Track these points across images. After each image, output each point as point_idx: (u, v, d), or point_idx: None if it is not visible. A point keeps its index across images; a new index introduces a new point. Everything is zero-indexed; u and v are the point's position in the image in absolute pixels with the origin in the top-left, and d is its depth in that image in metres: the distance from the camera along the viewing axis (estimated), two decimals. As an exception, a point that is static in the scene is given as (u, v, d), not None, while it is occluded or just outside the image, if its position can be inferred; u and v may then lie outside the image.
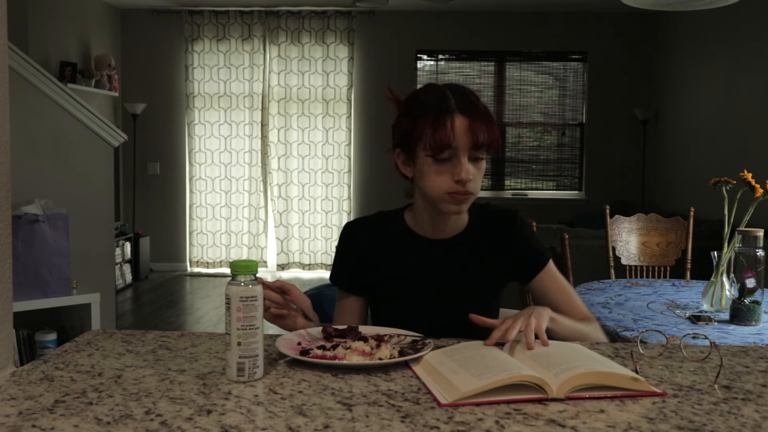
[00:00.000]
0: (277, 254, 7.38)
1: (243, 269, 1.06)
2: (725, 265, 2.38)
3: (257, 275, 1.09)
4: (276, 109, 7.30)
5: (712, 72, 5.86)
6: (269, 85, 7.28)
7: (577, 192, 7.45)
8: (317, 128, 7.29)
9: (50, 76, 3.45)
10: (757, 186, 2.36)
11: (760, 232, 2.19)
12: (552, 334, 1.28)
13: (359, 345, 1.18)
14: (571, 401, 0.97)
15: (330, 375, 1.09)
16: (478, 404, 0.95)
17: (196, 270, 7.41)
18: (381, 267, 1.51)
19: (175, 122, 7.39)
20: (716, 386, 1.05)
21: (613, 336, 2.15)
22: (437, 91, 1.41)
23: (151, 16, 7.30)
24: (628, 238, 3.38)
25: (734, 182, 2.45)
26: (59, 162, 3.52)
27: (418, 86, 6.48)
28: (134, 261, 6.86)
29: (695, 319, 2.28)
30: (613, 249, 3.35)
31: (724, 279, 2.39)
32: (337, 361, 1.12)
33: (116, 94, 6.98)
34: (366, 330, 1.30)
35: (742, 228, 2.23)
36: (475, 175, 1.38)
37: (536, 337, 1.18)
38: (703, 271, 2.98)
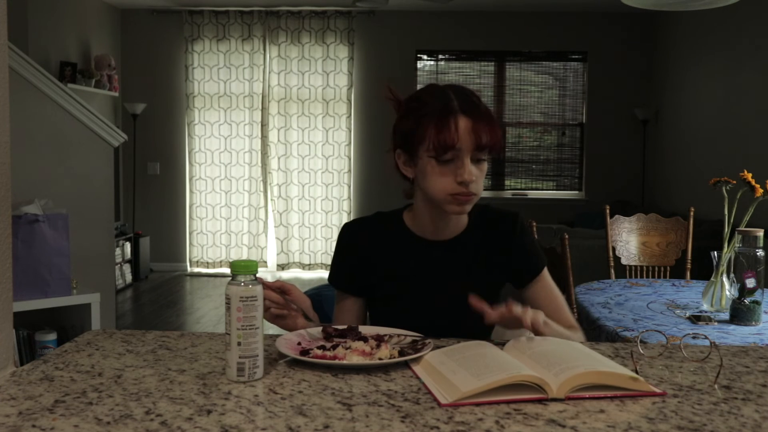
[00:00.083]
0: (277, 254, 7.38)
1: (243, 269, 1.06)
2: (725, 265, 2.39)
3: (257, 275, 1.10)
4: (276, 109, 7.30)
5: (712, 72, 5.86)
6: (269, 85, 7.28)
7: (577, 192, 7.45)
8: (317, 128, 7.29)
9: (50, 76, 3.45)
10: (757, 186, 2.36)
11: (760, 232, 2.19)
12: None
13: (359, 345, 1.18)
14: (571, 401, 0.97)
15: (330, 375, 1.09)
16: (478, 404, 0.95)
17: (196, 270, 7.41)
18: (380, 267, 1.51)
19: (175, 122, 7.39)
20: (716, 386, 1.05)
21: (613, 336, 2.15)
22: (440, 92, 1.41)
23: (151, 16, 7.31)
24: (628, 238, 3.38)
25: (734, 182, 2.45)
26: (59, 162, 3.52)
27: (419, 86, 6.48)
28: (134, 261, 6.86)
29: (695, 319, 2.28)
30: (613, 249, 3.35)
31: (724, 279, 2.39)
32: (337, 361, 1.12)
33: (116, 94, 6.98)
34: (366, 330, 1.30)
35: (742, 228, 2.23)
36: (477, 177, 1.38)
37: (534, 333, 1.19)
38: (703, 271, 2.98)
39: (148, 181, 7.42)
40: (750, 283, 2.18)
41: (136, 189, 7.32)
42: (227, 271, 7.09)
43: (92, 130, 3.70)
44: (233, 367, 1.05)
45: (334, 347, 1.18)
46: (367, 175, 7.32)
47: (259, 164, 7.32)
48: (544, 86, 7.45)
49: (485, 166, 1.41)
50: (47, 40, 5.94)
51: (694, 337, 1.34)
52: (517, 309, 1.23)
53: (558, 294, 1.55)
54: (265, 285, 1.35)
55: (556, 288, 1.56)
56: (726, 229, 2.42)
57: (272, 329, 1.40)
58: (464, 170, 1.36)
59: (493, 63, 7.35)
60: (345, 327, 1.30)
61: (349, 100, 7.26)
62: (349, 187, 7.32)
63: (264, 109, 7.27)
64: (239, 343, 1.05)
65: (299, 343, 1.24)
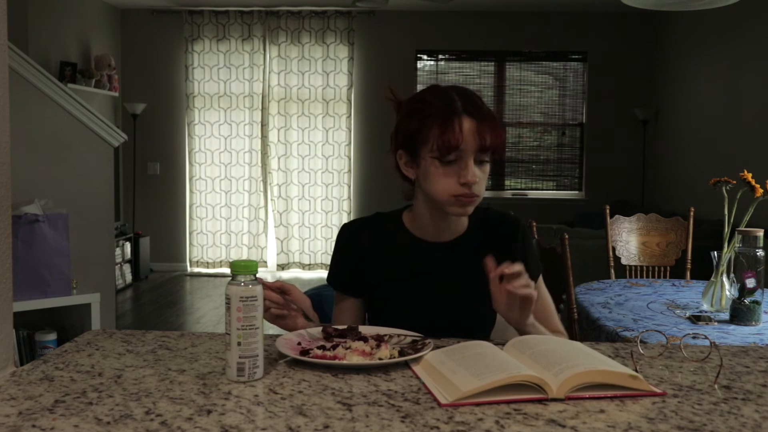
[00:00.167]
0: (277, 254, 7.38)
1: (243, 269, 1.06)
2: (725, 265, 2.39)
3: (257, 275, 1.10)
4: (276, 109, 7.30)
5: (712, 72, 5.86)
6: (269, 85, 7.28)
7: (577, 192, 7.45)
8: (317, 128, 7.29)
9: (50, 76, 3.45)
10: (757, 186, 2.36)
11: (760, 232, 2.19)
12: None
13: (359, 345, 1.18)
14: (571, 401, 0.97)
15: (330, 375, 1.09)
16: (478, 404, 0.95)
17: (196, 270, 7.41)
18: (379, 268, 1.50)
19: (175, 122, 7.39)
20: (716, 386, 1.05)
21: (613, 336, 2.15)
22: (443, 93, 1.40)
23: (151, 16, 7.31)
24: (628, 238, 3.38)
25: (734, 182, 2.45)
26: (59, 162, 3.52)
27: (419, 86, 6.48)
28: (134, 261, 6.86)
29: (695, 319, 2.28)
30: (613, 249, 3.35)
31: (724, 279, 2.40)
32: (337, 361, 1.12)
33: (116, 94, 6.98)
34: (366, 330, 1.30)
35: (742, 228, 2.23)
36: (480, 178, 1.38)
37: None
38: (703, 271, 2.98)
39: (148, 181, 7.42)
40: (750, 283, 2.18)
41: (136, 189, 7.32)
42: (227, 271, 7.09)
43: (92, 130, 3.70)
44: (233, 367, 1.05)
45: (334, 347, 1.18)
46: (367, 175, 7.32)
47: (259, 164, 7.32)
48: (544, 86, 7.45)
49: (488, 167, 1.40)
50: (47, 40, 5.94)
51: (694, 337, 1.34)
52: (513, 268, 1.26)
53: (549, 301, 1.58)
54: (265, 285, 1.35)
55: (548, 294, 1.59)
56: (726, 229, 2.42)
57: (272, 329, 1.40)
58: (468, 171, 1.35)
59: (493, 63, 7.35)
60: (345, 327, 1.30)
61: (349, 100, 7.26)
62: (349, 187, 7.32)
63: (264, 109, 7.27)
64: (239, 343, 1.05)
65: (299, 343, 1.24)
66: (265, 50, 7.26)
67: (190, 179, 7.37)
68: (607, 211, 3.42)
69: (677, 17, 6.48)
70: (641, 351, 1.22)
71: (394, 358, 1.14)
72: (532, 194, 7.41)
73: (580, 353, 1.10)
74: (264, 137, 7.28)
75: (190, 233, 7.41)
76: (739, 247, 2.20)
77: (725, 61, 5.63)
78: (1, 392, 1.00)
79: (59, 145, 3.53)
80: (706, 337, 1.22)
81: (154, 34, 7.33)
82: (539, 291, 1.55)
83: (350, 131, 7.29)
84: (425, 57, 7.37)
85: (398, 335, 1.27)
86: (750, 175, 2.37)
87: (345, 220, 7.26)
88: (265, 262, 7.39)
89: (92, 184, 3.74)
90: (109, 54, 6.87)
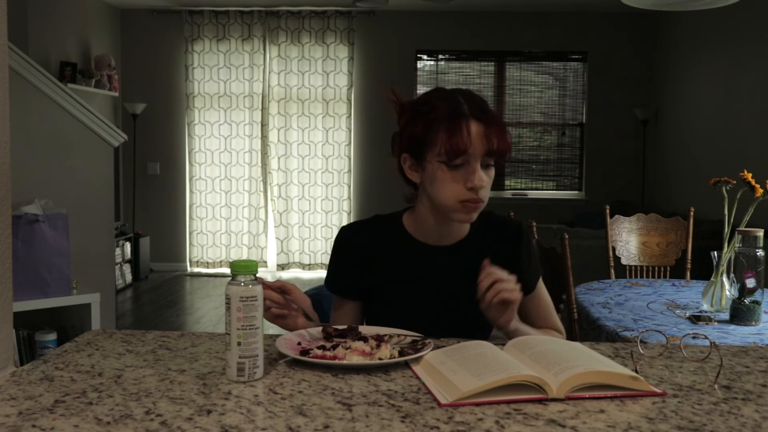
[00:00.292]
0: (277, 254, 7.38)
1: (243, 269, 1.06)
2: (725, 265, 2.39)
3: (257, 275, 1.09)
4: (276, 109, 7.30)
5: (712, 72, 5.86)
6: (269, 85, 7.28)
7: (577, 192, 7.45)
8: (317, 128, 7.29)
9: (50, 76, 3.45)
10: (757, 186, 2.36)
11: (760, 232, 2.19)
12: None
13: (359, 345, 1.18)
14: (571, 401, 0.97)
15: (330, 375, 1.09)
16: (478, 404, 0.95)
17: (196, 270, 7.41)
18: (379, 271, 1.49)
19: (175, 122, 7.39)
20: (716, 386, 1.05)
21: (613, 336, 2.15)
22: (448, 96, 1.39)
23: (151, 16, 7.31)
24: (628, 238, 3.38)
25: (734, 182, 2.45)
26: (59, 162, 3.52)
27: (418, 86, 6.43)
28: (134, 261, 6.86)
29: (695, 319, 2.28)
30: (613, 249, 3.35)
31: (724, 279, 2.40)
32: (337, 361, 1.12)
33: (116, 94, 6.98)
34: (366, 330, 1.29)
35: (742, 228, 2.23)
36: (486, 183, 1.37)
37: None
38: (703, 271, 2.98)
39: (148, 181, 7.42)
40: (750, 283, 2.18)
41: (136, 189, 7.32)
42: (227, 271, 7.09)
43: (92, 130, 3.70)
44: (233, 367, 1.05)
45: (334, 347, 1.18)
46: (367, 175, 7.32)
47: (259, 164, 7.32)
48: (544, 86, 7.45)
49: (493, 171, 1.39)
50: (47, 40, 5.94)
51: (694, 337, 1.34)
52: (499, 274, 1.29)
53: (549, 302, 1.58)
54: (266, 285, 1.35)
55: (548, 295, 1.59)
56: (726, 229, 2.42)
57: (272, 329, 1.40)
58: (475, 176, 1.34)
59: (493, 63, 7.35)
60: (345, 327, 1.30)
61: (349, 100, 7.26)
62: (349, 187, 7.32)
63: (264, 109, 7.27)
64: (239, 343, 1.05)
65: (299, 343, 1.24)
66: (265, 50, 7.26)
67: (190, 179, 7.37)
68: (607, 211, 3.42)
69: (677, 17, 6.48)
70: (641, 351, 1.22)
71: (394, 358, 1.14)
72: (532, 194, 7.42)
73: (580, 354, 1.10)
74: (264, 137, 7.28)
75: (190, 233, 7.41)
76: (739, 247, 2.20)
77: (725, 61, 5.63)
78: (1, 392, 1.00)
79: (59, 145, 3.53)
80: (706, 337, 1.22)
81: (154, 34, 7.33)
82: (539, 292, 1.56)
83: (350, 131, 7.29)
84: (425, 57, 7.37)
85: (398, 335, 1.27)
86: (750, 175, 2.37)
87: (345, 220, 7.26)
88: (265, 262, 7.39)
89: (92, 184, 3.74)
90: (109, 54, 6.87)
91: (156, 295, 6.32)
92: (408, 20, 7.24)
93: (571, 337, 2.14)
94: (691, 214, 3.35)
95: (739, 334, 2.10)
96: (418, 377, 1.08)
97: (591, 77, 7.25)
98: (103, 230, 3.85)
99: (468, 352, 1.12)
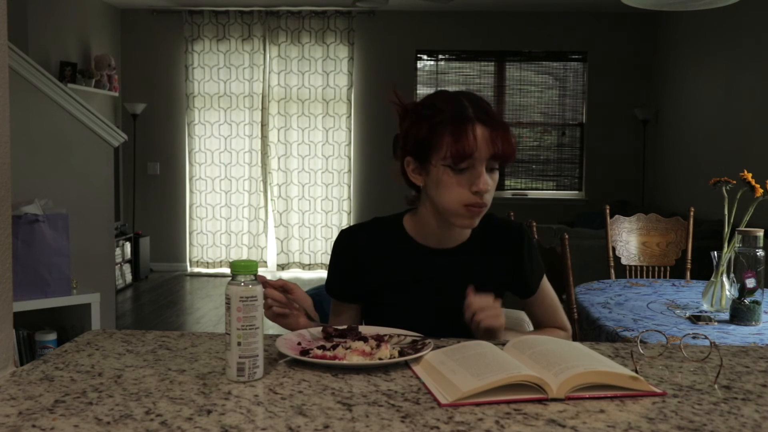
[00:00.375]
0: (277, 254, 7.38)
1: (243, 269, 1.06)
2: (725, 265, 2.39)
3: (258, 274, 1.09)
4: (276, 109, 7.30)
5: (712, 72, 5.86)
6: (269, 85, 7.28)
7: (577, 192, 7.45)
8: (317, 128, 7.29)
9: (50, 76, 3.45)
10: (757, 186, 2.36)
11: (760, 232, 2.19)
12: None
13: (359, 345, 1.18)
14: (571, 401, 0.97)
15: (330, 375, 1.09)
16: (478, 404, 0.95)
17: (196, 270, 7.41)
18: (380, 274, 1.48)
19: (175, 122, 7.39)
20: (716, 386, 1.05)
21: (613, 336, 2.15)
22: (453, 99, 1.39)
23: (151, 16, 7.31)
24: (628, 238, 3.38)
25: (734, 182, 2.45)
26: (59, 162, 3.52)
27: (418, 86, 6.41)
28: (134, 261, 6.86)
29: (695, 319, 2.28)
30: (613, 249, 3.35)
31: (724, 279, 2.40)
32: (337, 361, 1.12)
33: (116, 94, 6.98)
34: (366, 330, 1.29)
35: (742, 228, 2.23)
36: (491, 187, 1.37)
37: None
38: (703, 271, 2.98)
39: (148, 181, 7.42)
40: (750, 283, 2.18)
41: (136, 189, 7.32)
42: (227, 271, 7.09)
43: (92, 130, 3.70)
44: (233, 367, 1.05)
45: (334, 347, 1.18)
46: (367, 175, 7.32)
47: (259, 164, 7.32)
48: (544, 86, 7.45)
49: (497, 175, 1.39)
50: (47, 40, 5.94)
51: (694, 337, 1.34)
52: (483, 301, 1.34)
53: (553, 298, 1.59)
54: (268, 283, 1.35)
55: (553, 291, 1.59)
56: (726, 229, 2.42)
57: (272, 329, 1.40)
58: (480, 180, 1.34)
59: (493, 63, 7.35)
60: (345, 327, 1.30)
61: (349, 100, 7.26)
62: (349, 187, 7.32)
63: (264, 109, 7.27)
64: (239, 343, 1.05)
65: (299, 343, 1.24)
66: (265, 50, 7.26)
67: (190, 179, 7.37)
68: (607, 211, 3.42)
69: (677, 17, 6.48)
70: (641, 351, 1.22)
71: (394, 358, 1.14)
72: (532, 194, 7.42)
73: (580, 354, 1.10)
74: (264, 137, 7.28)
75: (190, 233, 7.41)
76: (739, 247, 2.20)
77: (725, 61, 5.63)
78: (1, 392, 1.00)
79: (59, 145, 3.53)
80: (706, 337, 1.22)
81: (154, 34, 7.33)
82: (544, 290, 1.56)
83: (350, 131, 7.29)
84: (425, 57, 7.37)
85: (398, 335, 1.27)
86: (750, 175, 2.37)
87: (345, 220, 7.26)
88: (265, 262, 7.39)
89: (92, 184, 3.74)
90: (109, 54, 6.87)
91: (156, 295, 6.32)
92: (408, 20, 7.24)
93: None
94: (691, 214, 3.35)
95: (739, 334, 2.10)
96: (418, 377, 1.08)
97: (591, 77, 7.25)
98: (103, 230, 3.85)
99: (468, 352, 1.12)
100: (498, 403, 0.96)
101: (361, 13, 7.18)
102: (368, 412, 0.93)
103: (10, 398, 0.98)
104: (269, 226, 7.41)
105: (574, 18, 7.19)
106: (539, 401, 0.97)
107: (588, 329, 2.38)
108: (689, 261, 3.27)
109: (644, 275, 3.33)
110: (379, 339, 1.23)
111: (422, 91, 7.29)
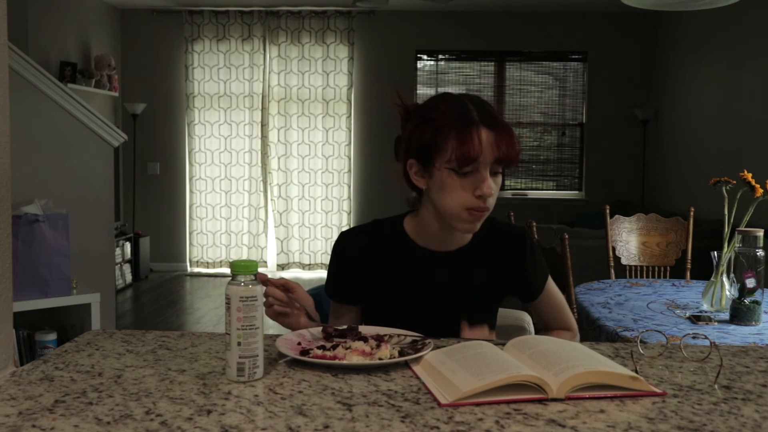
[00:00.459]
0: (277, 254, 7.39)
1: (243, 269, 1.06)
2: (725, 265, 2.39)
3: (259, 272, 1.09)
4: (276, 109, 7.30)
5: (712, 72, 5.86)
6: (269, 85, 7.28)
7: (577, 192, 7.45)
8: (317, 128, 7.29)
9: (50, 76, 3.45)
10: (757, 186, 2.36)
11: (760, 232, 2.19)
12: None
13: (359, 345, 1.18)
14: (571, 401, 0.97)
15: (330, 375, 1.09)
16: (478, 404, 0.95)
17: (196, 270, 7.41)
18: (380, 277, 1.48)
19: (175, 122, 7.40)
20: (716, 386, 1.05)
21: (613, 336, 2.15)
22: (457, 102, 1.38)
23: (151, 16, 7.31)
24: (628, 238, 3.38)
25: (734, 182, 2.45)
26: (59, 162, 3.52)
27: (418, 86, 6.40)
28: (134, 261, 6.86)
29: (695, 319, 2.28)
30: (613, 249, 3.35)
31: (724, 279, 2.40)
32: (337, 361, 1.12)
33: (116, 94, 6.98)
34: (366, 330, 1.29)
35: (742, 228, 2.23)
36: (494, 191, 1.36)
37: None
38: (703, 271, 2.98)
39: (148, 181, 7.42)
40: (750, 283, 2.18)
41: (136, 189, 7.32)
42: (227, 271, 7.09)
43: (92, 130, 3.70)
44: (233, 367, 1.05)
45: (334, 347, 1.18)
46: (367, 175, 7.32)
47: (259, 164, 7.32)
48: (544, 86, 7.45)
49: (500, 179, 1.39)
50: (47, 40, 5.94)
51: (694, 337, 1.34)
52: None
53: (560, 299, 1.58)
54: (270, 282, 1.35)
55: (559, 292, 1.59)
56: (726, 229, 2.42)
57: (272, 329, 1.40)
58: (484, 184, 1.33)
59: (493, 63, 7.35)
60: (345, 327, 1.30)
61: (349, 100, 7.26)
62: (349, 187, 7.32)
63: (264, 109, 7.27)
64: (239, 343, 1.05)
65: (299, 343, 1.24)
66: (265, 50, 7.26)
67: (190, 179, 7.37)
68: (607, 211, 3.42)
69: (677, 17, 6.47)
70: (641, 351, 1.22)
71: (394, 358, 1.14)
72: (532, 194, 7.42)
73: (580, 354, 1.10)
74: (264, 137, 7.28)
75: (190, 233, 7.41)
76: (739, 247, 2.20)
77: (725, 61, 5.63)
78: (1, 392, 1.00)
79: (59, 145, 3.53)
80: (706, 337, 1.22)
81: (154, 34, 7.33)
82: (549, 292, 1.56)
83: (350, 131, 7.29)
84: (425, 57, 7.37)
85: (398, 335, 1.27)
86: (750, 175, 2.38)
87: (345, 220, 7.27)
88: (265, 262, 7.39)
89: (92, 184, 3.74)
90: (109, 54, 6.87)
91: (156, 295, 6.32)
92: (408, 20, 7.24)
93: (571, 337, 2.13)
94: (691, 214, 3.35)
95: (739, 334, 2.10)
96: (418, 377, 1.08)
97: (591, 77, 7.25)
98: (103, 230, 3.85)
99: (468, 352, 1.12)
100: (498, 403, 0.96)
101: (361, 13, 7.18)
102: (368, 412, 0.93)
103: (10, 398, 0.98)
104: (269, 226, 7.41)
105: (574, 18, 7.19)
106: (539, 401, 0.97)
107: (588, 329, 2.38)
108: (689, 261, 3.27)
109: (644, 275, 3.33)
110: (379, 339, 1.23)
111: (422, 91, 7.30)
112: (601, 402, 0.97)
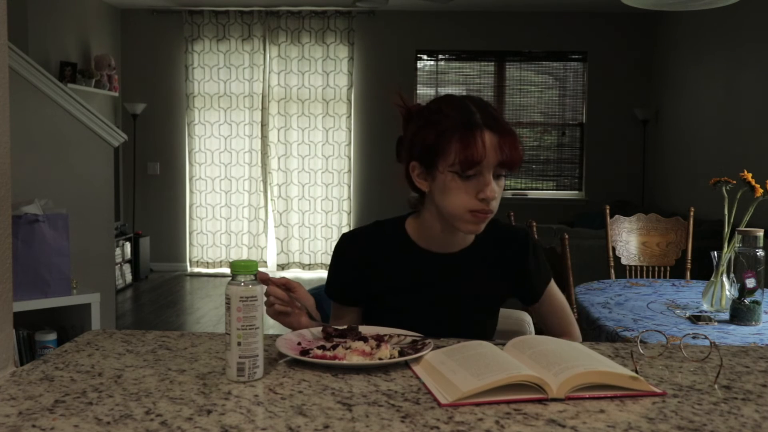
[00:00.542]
0: (277, 254, 7.39)
1: (243, 269, 1.06)
2: (725, 265, 2.39)
3: (259, 271, 1.09)
4: (276, 109, 7.30)
5: (712, 72, 5.86)
6: (269, 85, 7.28)
7: (577, 192, 7.45)
8: (317, 128, 7.29)
9: (50, 76, 3.45)
10: (757, 186, 2.36)
11: (760, 232, 2.19)
12: None
13: (359, 345, 1.18)
14: (571, 401, 0.97)
15: (330, 375, 1.09)
16: (478, 404, 0.95)
17: (196, 270, 7.41)
18: (381, 278, 1.47)
19: (175, 122, 7.39)
20: (716, 386, 1.05)
21: (613, 336, 2.15)
22: (460, 104, 1.37)
23: (151, 16, 7.31)
24: (628, 238, 3.38)
25: (734, 182, 2.45)
26: (59, 162, 3.52)
27: (418, 86, 6.41)
28: (134, 261, 6.86)
29: (695, 319, 2.28)
30: (613, 249, 3.35)
31: (724, 279, 2.40)
32: (337, 361, 1.12)
33: (116, 94, 6.98)
34: (366, 330, 1.29)
35: (742, 228, 2.23)
36: (498, 194, 1.36)
37: None
38: (703, 271, 2.98)
39: (148, 181, 7.42)
40: (750, 283, 2.18)
41: (136, 189, 7.32)
42: (227, 271, 7.09)
43: (92, 130, 3.70)
44: (233, 367, 1.05)
45: (334, 347, 1.18)
46: (367, 175, 7.32)
47: (259, 164, 7.32)
48: (544, 86, 7.45)
49: (503, 182, 1.38)
50: (47, 40, 5.94)
51: (694, 337, 1.34)
52: None
53: (563, 304, 1.58)
54: (271, 281, 1.35)
55: (563, 297, 1.58)
56: (726, 229, 2.42)
57: (273, 329, 1.40)
58: (488, 187, 1.33)
59: (493, 63, 7.35)
60: (345, 327, 1.30)
61: (349, 100, 7.26)
62: (349, 187, 7.32)
63: (264, 109, 7.27)
64: (239, 343, 1.05)
65: (299, 343, 1.24)
66: (265, 50, 7.26)
67: (190, 179, 7.37)
68: (607, 211, 3.41)
69: (677, 17, 6.47)
70: (641, 351, 1.22)
71: (394, 358, 1.14)
72: (532, 194, 7.41)
73: (580, 354, 1.10)
74: (264, 137, 7.28)
75: (190, 233, 7.41)
76: (739, 247, 2.20)
77: (725, 61, 5.63)
78: (1, 392, 1.00)
79: (59, 145, 3.53)
80: (706, 337, 1.22)
81: (154, 34, 7.33)
82: (551, 295, 1.55)
83: (350, 131, 7.29)
84: (425, 57, 7.37)
85: (398, 335, 1.27)
86: (750, 175, 2.38)
87: (345, 220, 7.26)
88: (265, 262, 7.39)
89: (92, 184, 3.74)
90: (109, 54, 6.87)
91: (156, 295, 6.32)
92: (408, 20, 7.24)
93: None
94: (691, 214, 3.35)
95: (739, 334, 2.10)
96: (418, 377, 1.08)
97: (591, 77, 7.25)
98: (103, 230, 3.85)
99: (468, 352, 1.12)
100: (498, 403, 0.96)
101: (361, 13, 7.18)
102: (368, 412, 0.93)
103: (10, 398, 0.98)
104: (269, 226, 7.41)
105: (574, 18, 7.19)
106: (539, 401, 0.97)
107: (588, 329, 2.38)
108: (689, 261, 3.27)
109: (644, 275, 3.33)
110: (379, 339, 1.23)
111: (422, 91, 7.30)
112: (601, 402, 0.97)
